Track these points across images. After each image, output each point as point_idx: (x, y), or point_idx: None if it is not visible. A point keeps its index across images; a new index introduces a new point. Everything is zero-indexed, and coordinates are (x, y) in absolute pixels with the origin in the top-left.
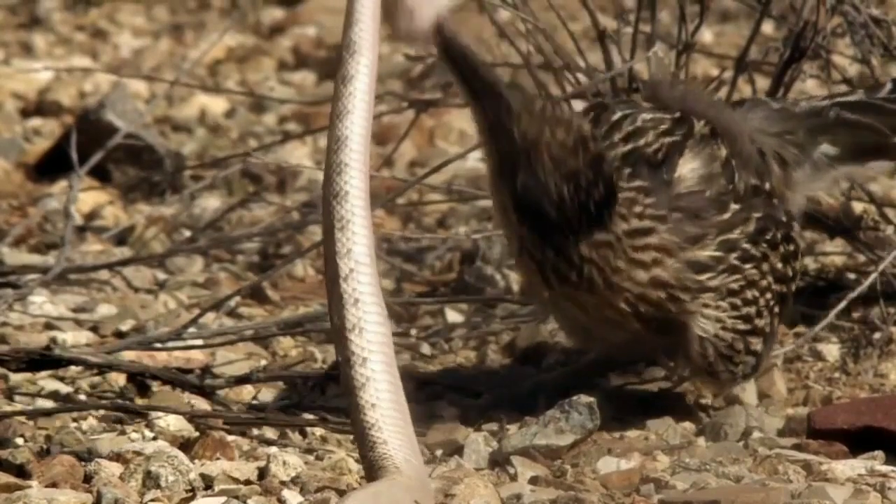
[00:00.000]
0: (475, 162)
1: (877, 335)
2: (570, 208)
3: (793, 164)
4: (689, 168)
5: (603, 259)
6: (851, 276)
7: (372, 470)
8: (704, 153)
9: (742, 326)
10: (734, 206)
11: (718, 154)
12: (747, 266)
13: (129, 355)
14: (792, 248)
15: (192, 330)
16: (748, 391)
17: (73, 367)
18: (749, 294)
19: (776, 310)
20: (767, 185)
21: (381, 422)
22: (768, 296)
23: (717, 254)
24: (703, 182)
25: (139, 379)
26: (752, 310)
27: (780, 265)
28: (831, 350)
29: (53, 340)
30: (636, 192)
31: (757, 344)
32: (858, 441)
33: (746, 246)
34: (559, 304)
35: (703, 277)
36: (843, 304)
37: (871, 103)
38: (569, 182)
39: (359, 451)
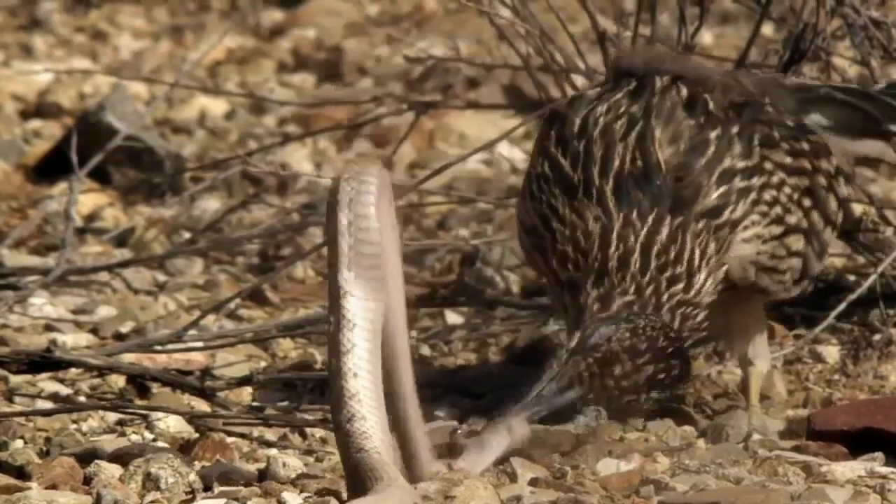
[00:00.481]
0: (475, 164)
1: (876, 337)
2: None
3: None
4: (664, 150)
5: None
6: (851, 277)
7: (347, 444)
8: (667, 117)
9: (777, 230)
10: (712, 136)
11: (678, 99)
12: (754, 179)
13: (128, 357)
14: (801, 145)
15: (191, 332)
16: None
17: (72, 369)
18: (767, 195)
19: (806, 203)
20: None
21: (361, 393)
22: (787, 190)
23: (722, 189)
24: (674, 142)
25: (139, 381)
26: (777, 210)
27: (788, 159)
28: (831, 352)
29: (53, 342)
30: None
31: (797, 242)
32: (858, 442)
33: (742, 164)
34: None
35: (724, 216)
36: (842, 306)
37: (864, 92)
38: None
39: (334, 418)
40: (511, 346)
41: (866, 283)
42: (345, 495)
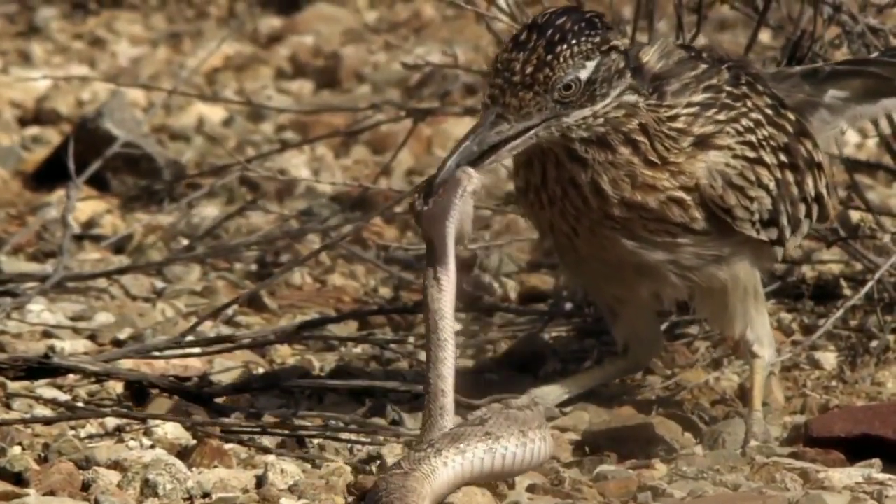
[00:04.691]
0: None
1: (874, 343)
2: None
3: (808, 109)
4: (651, 54)
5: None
6: (848, 284)
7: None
8: (659, 43)
9: (750, 154)
10: (703, 65)
11: (676, 44)
12: (737, 104)
13: (126, 363)
14: (787, 114)
15: (189, 338)
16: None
17: (71, 375)
18: (745, 122)
19: (781, 157)
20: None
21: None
22: (764, 132)
23: (708, 95)
24: (664, 57)
25: (137, 387)
26: (752, 138)
27: (769, 111)
28: (828, 358)
29: (52, 349)
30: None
31: (770, 183)
32: (855, 449)
33: (729, 88)
34: (605, 240)
35: (710, 113)
36: (839, 313)
37: (865, 59)
38: None
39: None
40: (509, 353)
41: (863, 290)
42: (340, 502)
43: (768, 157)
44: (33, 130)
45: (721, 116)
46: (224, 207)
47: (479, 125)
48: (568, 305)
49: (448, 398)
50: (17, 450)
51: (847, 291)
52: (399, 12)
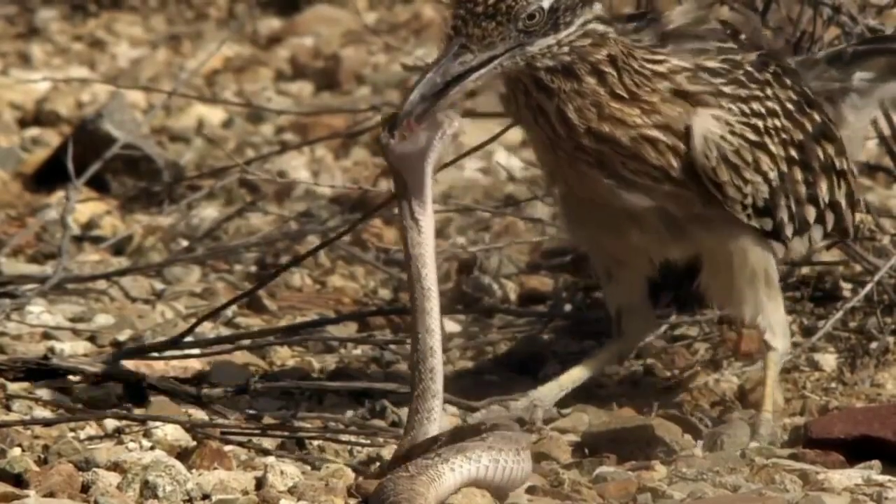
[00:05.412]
0: (473, 173)
1: (873, 345)
2: None
3: (839, 95)
4: (677, 11)
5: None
6: (848, 285)
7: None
8: (702, 9)
9: (752, 136)
10: (733, 44)
11: (716, 19)
12: (753, 85)
13: (126, 364)
14: (813, 115)
15: (189, 339)
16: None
17: (70, 377)
18: (756, 106)
19: (791, 152)
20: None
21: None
22: (777, 122)
23: (724, 66)
24: (694, 23)
25: (137, 388)
26: (760, 123)
27: (789, 105)
28: (828, 360)
29: (51, 350)
30: (627, 34)
31: (770, 172)
32: (855, 450)
33: (750, 69)
34: (584, 176)
35: (716, 81)
36: (839, 314)
37: (883, 36)
38: None
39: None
40: (509, 355)
41: (863, 292)
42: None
43: (774, 147)
44: (33, 132)
45: (727, 89)
46: (223, 209)
47: (442, 56)
48: (567, 307)
49: (437, 358)
50: (16, 451)
51: (847, 293)
52: (399, 14)
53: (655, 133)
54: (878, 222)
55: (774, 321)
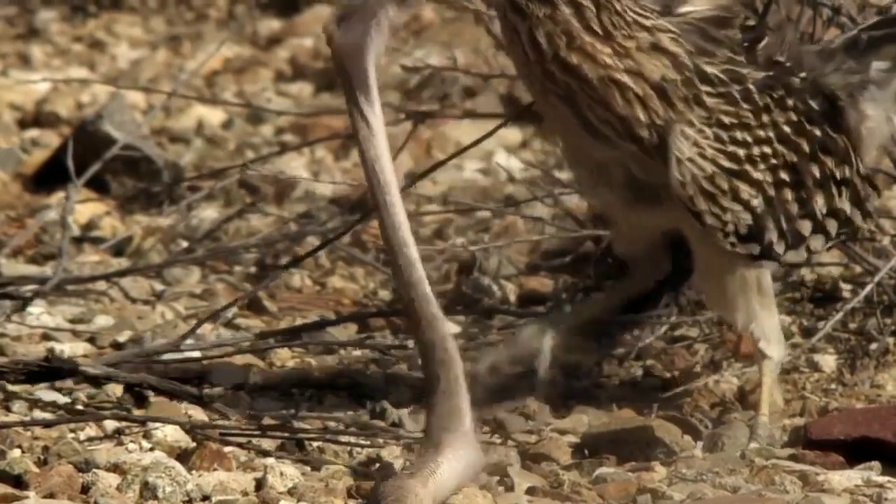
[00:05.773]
0: (473, 173)
1: (873, 346)
2: None
3: (859, 90)
4: (702, 2)
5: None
6: (848, 286)
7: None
8: (727, 5)
9: (727, 164)
10: (742, 55)
11: (743, 18)
12: (746, 106)
13: (126, 366)
14: (814, 131)
15: (189, 341)
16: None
17: (70, 378)
18: (739, 135)
19: (783, 176)
20: (799, 74)
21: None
22: (766, 149)
23: (723, 75)
24: (713, 21)
25: (137, 390)
26: (741, 151)
27: (786, 128)
28: (828, 361)
29: (51, 351)
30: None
31: (753, 199)
32: (855, 451)
33: (751, 87)
34: (554, 108)
35: (703, 88)
36: (839, 316)
37: (893, 18)
38: None
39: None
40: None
41: (863, 293)
42: None
43: (758, 174)
44: (33, 133)
45: (709, 100)
46: (223, 210)
47: None
48: (567, 308)
49: (411, 249)
50: (16, 452)
51: (846, 294)
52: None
53: (625, 78)
54: (878, 223)
55: (768, 329)
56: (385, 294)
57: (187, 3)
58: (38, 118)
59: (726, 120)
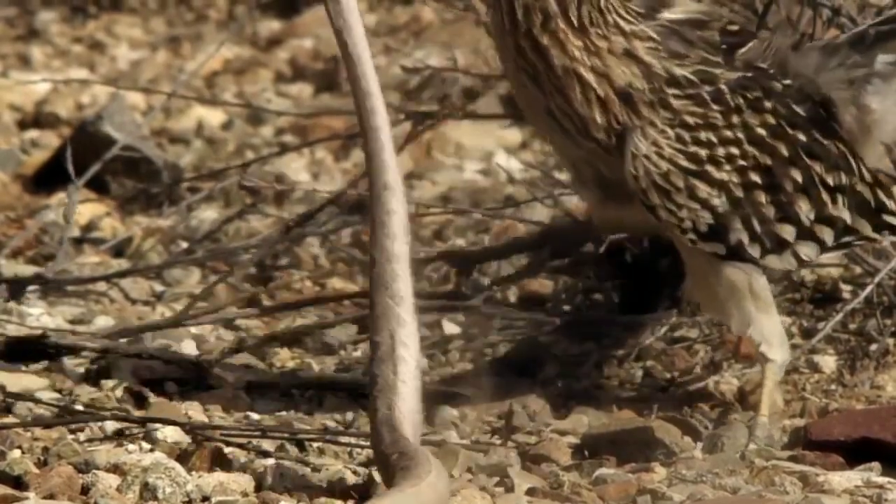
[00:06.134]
0: (473, 175)
1: (873, 347)
2: None
3: (862, 82)
4: (687, 4)
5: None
6: (848, 287)
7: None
8: (711, 9)
9: (684, 163)
10: (720, 58)
11: (725, 23)
12: (715, 106)
13: (126, 364)
14: (797, 135)
15: (188, 340)
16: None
17: (69, 381)
18: (703, 135)
19: (753, 178)
20: (783, 80)
21: (405, 392)
22: (734, 150)
23: (693, 77)
24: (697, 23)
25: (136, 390)
26: (703, 152)
27: (761, 130)
28: (828, 362)
29: (47, 331)
30: None
31: (714, 198)
32: (855, 452)
33: (723, 87)
34: (524, 88)
35: (669, 91)
36: (839, 317)
37: None
38: None
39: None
40: (508, 357)
41: (863, 294)
42: None
43: (722, 174)
44: (33, 134)
45: (676, 102)
46: (223, 211)
47: None
48: (566, 308)
49: (377, 99)
50: (16, 453)
51: (846, 295)
52: (398, 16)
53: (589, 76)
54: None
55: (769, 332)
56: None
57: (187, 4)
58: (37, 119)
59: (691, 120)
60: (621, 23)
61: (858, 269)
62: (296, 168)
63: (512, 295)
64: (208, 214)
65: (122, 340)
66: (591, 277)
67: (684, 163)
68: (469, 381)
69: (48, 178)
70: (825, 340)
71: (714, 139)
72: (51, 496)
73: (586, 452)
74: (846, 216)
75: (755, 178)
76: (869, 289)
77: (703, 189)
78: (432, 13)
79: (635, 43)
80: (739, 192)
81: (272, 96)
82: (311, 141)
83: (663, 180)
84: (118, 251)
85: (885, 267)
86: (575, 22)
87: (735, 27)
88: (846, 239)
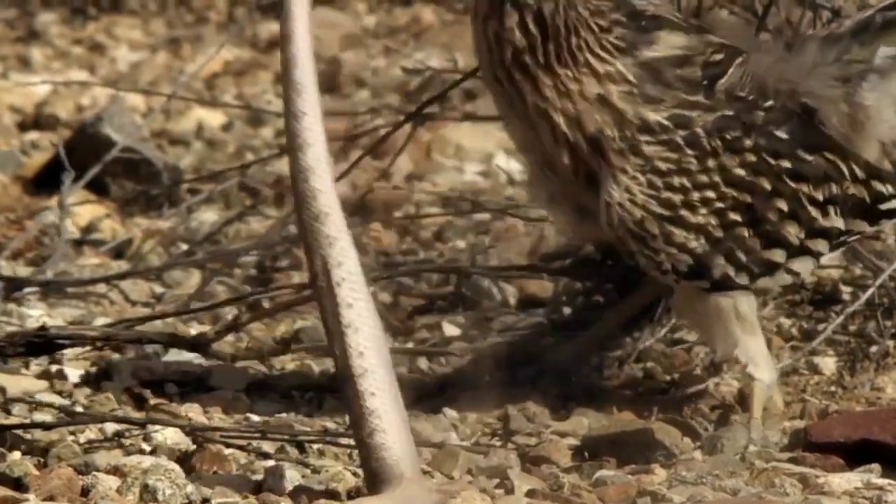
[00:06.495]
0: (473, 176)
1: (873, 348)
2: None
3: (857, 78)
4: (670, 39)
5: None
6: (848, 289)
7: (370, 459)
8: (694, 42)
9: (657, 209)
10: (700, 96)
11: (709, 54)
12: (690, 151)
13: (126, 367)
14: (781, 163)
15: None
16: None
17: (70, 381)
18: (677, 181)
19: (733, 217)
20: (764, 104)
21: (380, 409)
22: (710, 194)
23: (667, 122)
24: (677, 60)
25: (136, 392)
26: (677, 198)
27: (739, 171)
28: (828, 363)
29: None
30: (606, 18)
31: (691, 241)
32: (855, 454)
33: (698, 130)
34: (509, 117)
35: (642, 137)
36: (840, 319)
37: None
38: None
39: (356, 436)
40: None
41: (864, 296)
42: None
43: (699, 219)
44: (33, 135)
45: (648, 148)
46: (223, 212)
47: None
48: (567, 310)
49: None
50: (16, 455)
51: (846, 296)
52: (398, 17)
53: (559, 119)
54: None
55: (755, 353)
56: (385, 297)
57: (187, 6)
58: (37, 120)
59: (663, 166)
60: (595, 63)
61: (858, 271)
62: None
63: (511, 296)
64: (208, 216)
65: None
66: (591, 279)
67: (658, 209)
68: (469, 382)
69: (48, 180)
70: (825, 342)
71: (688, 184)
72: (51, 498)
73: (586, 454)
74: (839, 223)
75: (735, 217)
76: (871, 291)
77: (679, 234)
78: (432, 15)
79: (609, 87)
80: (719, 233)
81: (272, 98)
82: None
83: (638, 227)
84: (118, 253)
85: (889, 268)
86: (542, 60)
87: (719, 56)
88: (847, 239)
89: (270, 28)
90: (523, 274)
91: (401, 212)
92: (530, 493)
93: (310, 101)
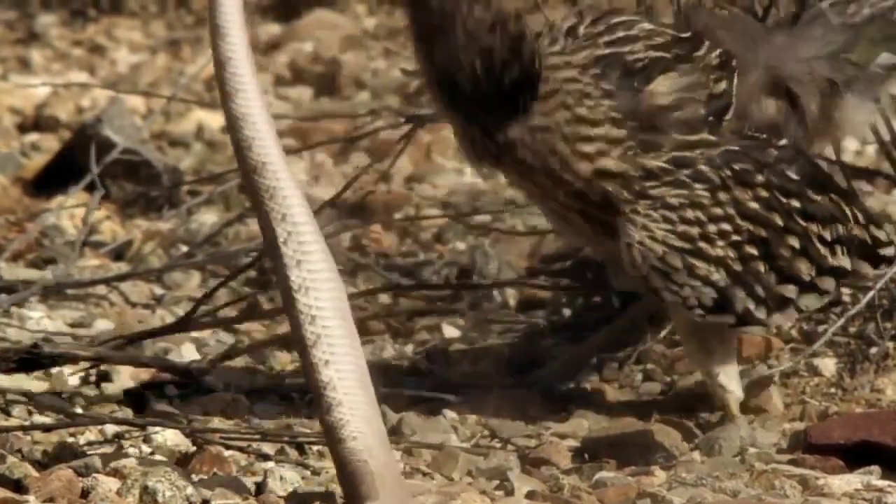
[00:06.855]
0: (472, 177)
1: (873, 350)
2: (485, 86)
3: (843, 85)
4: (666, 85)
5: (542, 143)
6: (847, 290)
7: (329, 435)
8: (692, 78)
9: (678, 243)
10: (703, 133)
11: (712, 86)
12: (698, 186)
13: (125, 371)
14: (791, 202)
15: (188, 344)
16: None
17: (70, 383)
18: (691, 213)
19: (750, 251)
20: (777, 139)
21: (335, 380)
22: (726, 227)
23: (668, 165)
24: (675, 104)
25: (136, 393)
26: (694, 230)
27: (753, 204)
28: (828, 365)
29: (40, 341)
30: (595, 88)
31: (713, 274)
32: (855, 456)
33: (703, 167)
34: (510, 178)
35: (647, 184)
36: (841, 321)
37: None
38: (483, 59)
39: (318, 414)
40: (508, 360)
41: (865, 299)
42: None
43: (718, 251)
44: (33, 137)
45: (654, 191)
46: (223, 214)
47: None
48: (567, 312)
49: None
50: (16, 457)
51: (846, 297)
52: (398, 19)
53: (564, 199)
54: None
55: (729, 368)
56: (384, 298)
57: (187, 8)
58: (37, 122)
59: (675, 201)
60: (587, 148)
61: None
62: (295, 171)
63: (511, 298)
64: (208, 218)
65: (118, 341)
66: (592, 280)
67: (678, 242)
68: (469, 384)
69: (48, 182)
70: (825, 343)
71: (703, 217)
72: (51, 500)
73: (586, 456)
74: (846, 263)
75: (752, 250)
76: (871, 294)
77: (702, 266)
78: None
79: (603, 162)
80: (738, 266)
81: (272, 99)
82: (311, 144)
83: (661, 263)
84: (118, 254)
85: (889, 271)
86: (533, 163)
87: (721, 87)
88: (847, 281)
89: (270, 30)
90: (523, 281)
91: (401, 213)
92: (530, 495)
93: (235, 45)
